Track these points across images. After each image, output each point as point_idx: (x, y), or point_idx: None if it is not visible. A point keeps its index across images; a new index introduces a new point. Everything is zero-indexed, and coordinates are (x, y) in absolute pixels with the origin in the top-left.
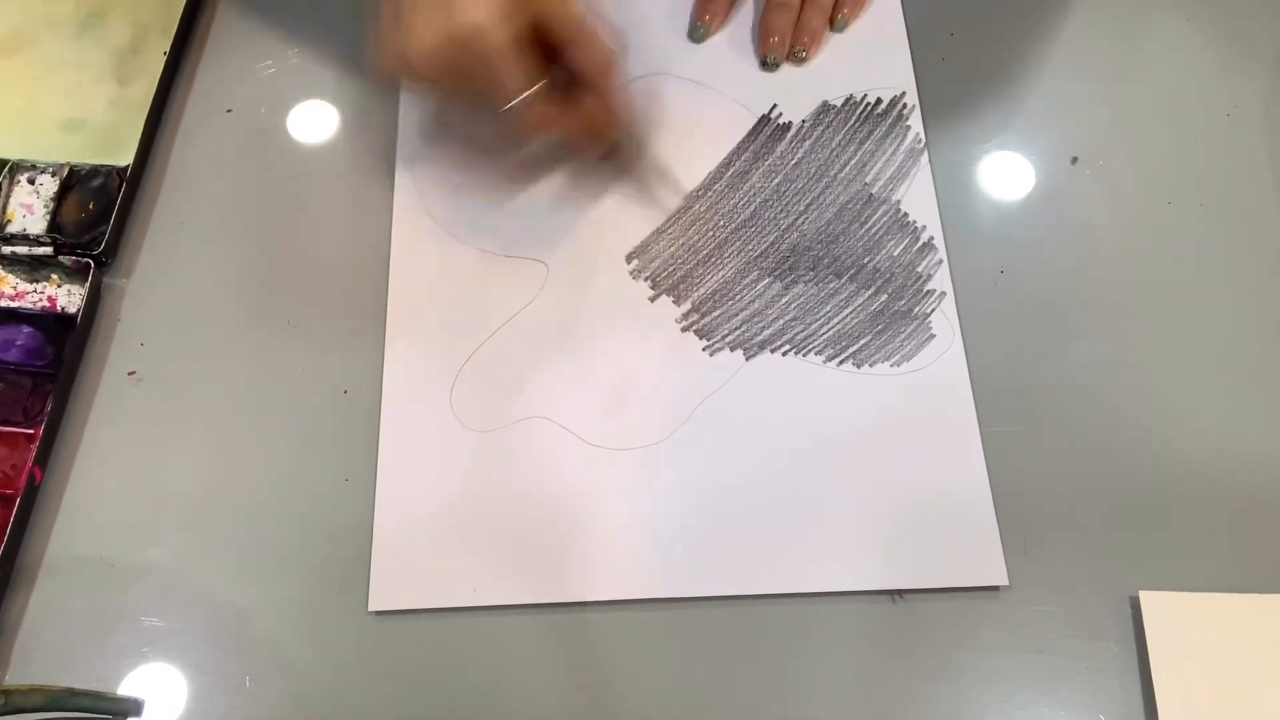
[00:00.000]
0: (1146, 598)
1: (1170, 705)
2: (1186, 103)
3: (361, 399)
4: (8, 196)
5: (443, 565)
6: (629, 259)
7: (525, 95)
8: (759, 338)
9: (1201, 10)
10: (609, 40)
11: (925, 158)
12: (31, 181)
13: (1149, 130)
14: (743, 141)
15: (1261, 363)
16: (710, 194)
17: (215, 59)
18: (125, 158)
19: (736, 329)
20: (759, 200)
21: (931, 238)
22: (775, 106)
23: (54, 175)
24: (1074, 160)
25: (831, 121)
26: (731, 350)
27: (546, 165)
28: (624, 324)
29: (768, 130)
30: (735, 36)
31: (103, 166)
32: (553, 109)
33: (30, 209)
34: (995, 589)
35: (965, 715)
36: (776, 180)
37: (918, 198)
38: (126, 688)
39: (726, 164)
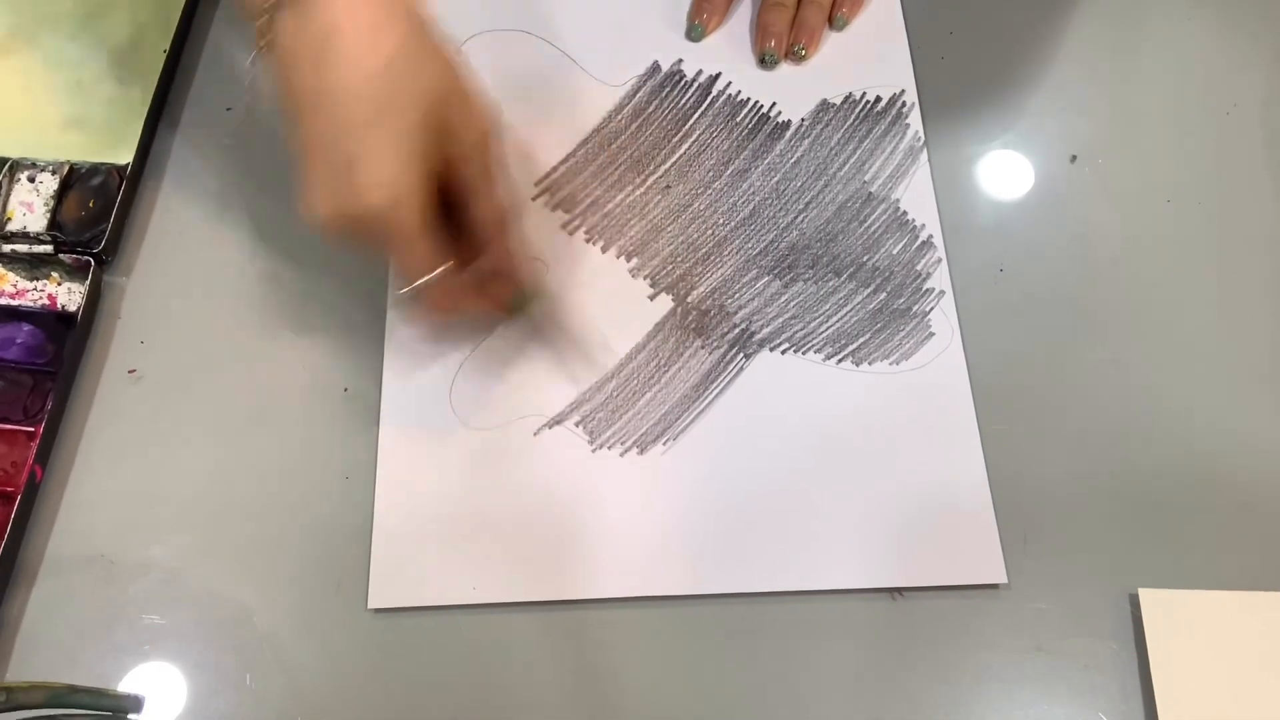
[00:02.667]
0: (1146, 595)
1: (1170, 703)
2: (1186, 101)
3: (361, 397)
4: (8, 195)
5: (442, 563)
6: (629, 257)
7: (429, 278)
8: (758, 336)
9: (1201, 9)
10: (508, 193)
11: (924, 156)
12: (32, 180)
13: (1148, 129)
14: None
15: (1261, 360)
16: (710, 192)
17: (215, 57)
18: (125, 156)
19: (736, 327)
20: (758, 199)
21: (930, 236)
22: (775, 104)
23: (54, 173)
24: (1073, 159)
25: (831, 119)
26: (730, 348)
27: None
28: (623, 322)
29: (767, 128)
30: (734, 34)
31: (103, 165)
32: (457, 290)
33: (30, 207)
34: (994, 587)
35: (965, 713)
36: (776, 178)
37: (917, 196)
38: (127, 685)
39: (725, 162)
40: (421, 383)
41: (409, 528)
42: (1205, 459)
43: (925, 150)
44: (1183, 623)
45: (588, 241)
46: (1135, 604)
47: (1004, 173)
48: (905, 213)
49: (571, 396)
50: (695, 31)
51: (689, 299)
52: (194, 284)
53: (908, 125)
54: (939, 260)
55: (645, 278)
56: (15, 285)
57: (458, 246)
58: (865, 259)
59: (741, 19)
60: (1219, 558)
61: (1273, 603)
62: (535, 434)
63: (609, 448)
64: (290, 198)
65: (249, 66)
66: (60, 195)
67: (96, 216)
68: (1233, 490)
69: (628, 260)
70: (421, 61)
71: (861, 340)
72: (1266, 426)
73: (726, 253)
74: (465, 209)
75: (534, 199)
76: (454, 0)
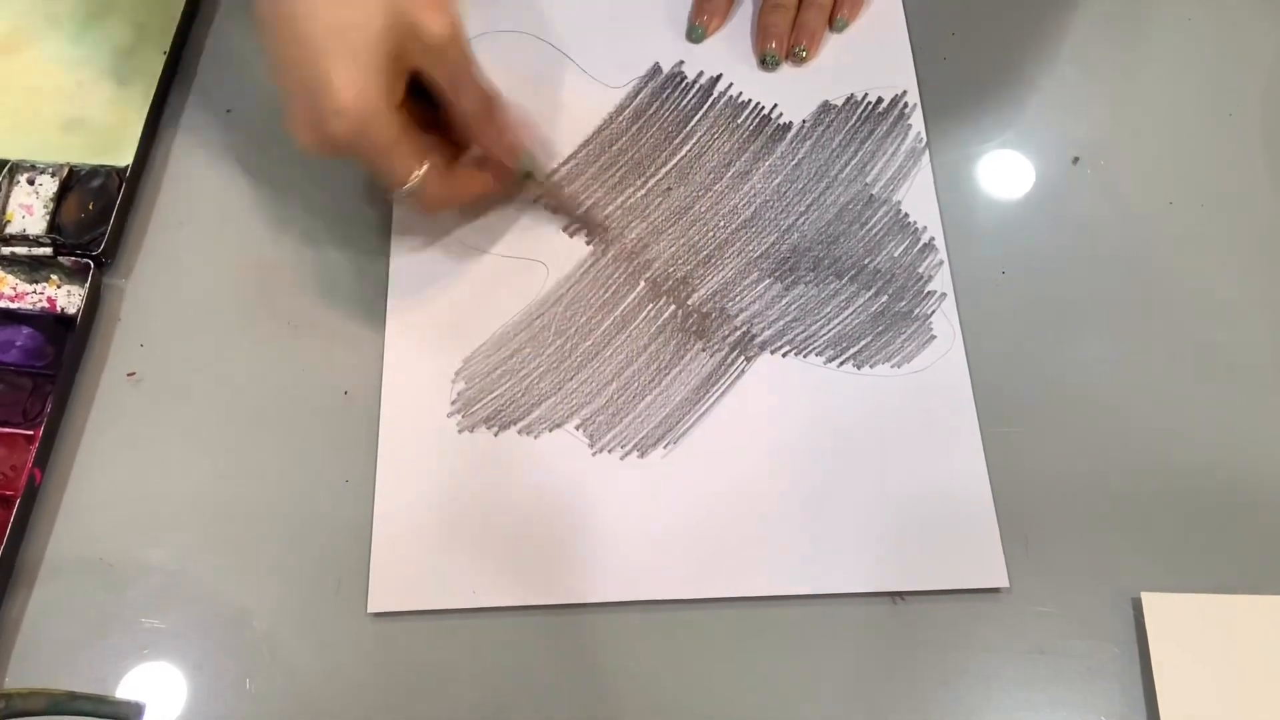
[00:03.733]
0: (1148, 599)
1: (1172, 707)
2: (1187, 103)
3: (361, 400)
4: (7, 197)
5: (442, 567)
6: (629, 259)
7: (415, 178)
8: (759, 339)
9: (1202, 10)
10: (485, 80)
11: (926, 158)
12: (31, 182)
13: (1150, 130)
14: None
15: (1263, 363)
16: (711, 194)
17: (215, 59)
18: (125, 158)
19: (737, 330)
20: (759, 201)
21: (932, 238)
22: (776, 106)
23: (53, 175)
24: (1075, 160)
25: (832, 121)
26: (731, 351)
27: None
28: (623, 325)
29: (768, 130)
30: (735, 36)
31: (102, 167)
32: (446, 185)
33: (30, 209)
34: (996, 590)
35: (966, 717)
36: (777, 181)
37: (918, 198)
38: (126, 689)
39: (727, 164)
40: (421, 386)
41: (409, 531)
42: (1208, 461)
43: (927, 152)
44: (1185, 626)
45: (588, 244)
46: (1137, 607)
47: (1006, 174)
48: (907, 215)
49: (576, 401)
50: (696, 33)
51: (690, 302)
52: (194, 287)
53: (909, 126)
54: (941, 262)
55: (646, 280)
56: (14, 288)
57: (446, 141)
58: (867, 261)
59: (742, 21)
60: (1222, 561)
61: (1276, 607)
62: (535, 437)
63: (609, 451)
64: (288, 200)
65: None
66: (60, 197)
67: (96, 219)
68: (1236, 493)
69: (628, 263)
70: None
71: (863, 343)
72: (1269, 429)
73: (727, 255)
74: (447, 105)
75: (534, 200)
76: None
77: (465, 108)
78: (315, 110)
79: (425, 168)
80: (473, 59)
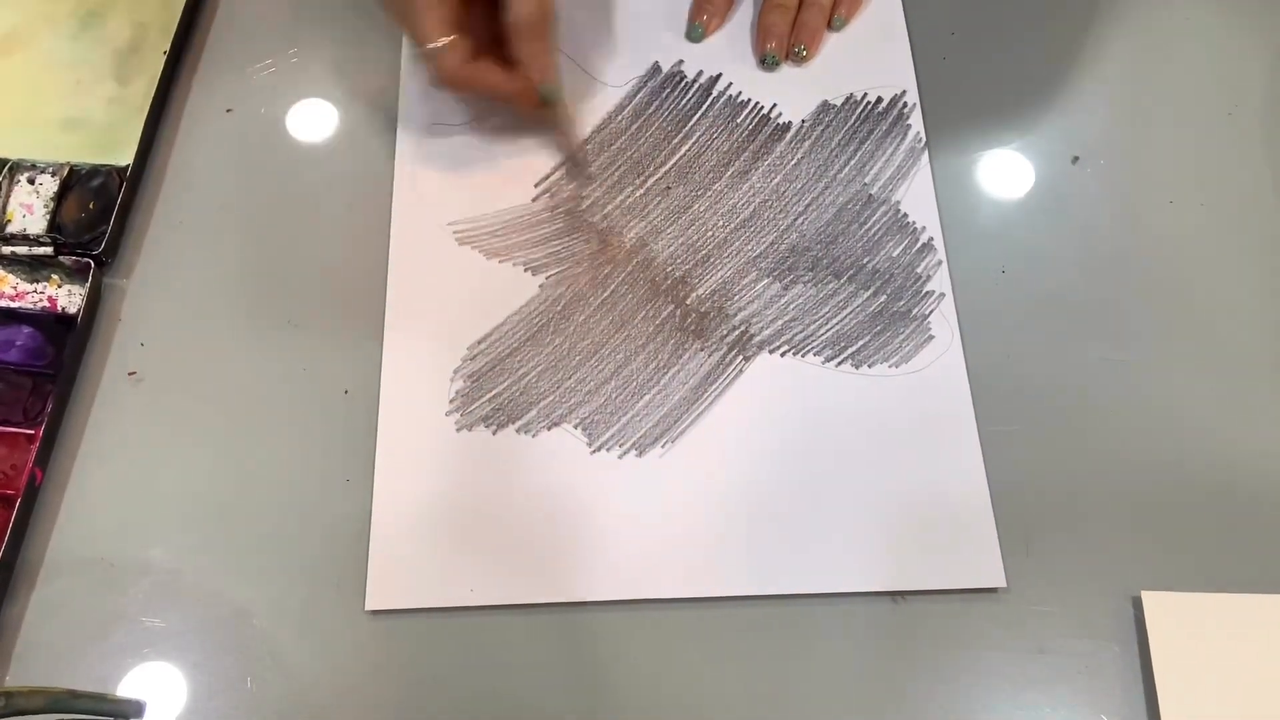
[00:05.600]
0: (1148, 598)
1: (1172, 706)
2: (1187, 102)
3: (361, 399)
4: (7, 196)
5: (440, 565)
6: (629, 258)
7: (437, 44)
8: (758, 338)
9: (1202, 9)
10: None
11: (925, 157)
12: (31, 181)
13: (1149, 130)
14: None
15: (1262, 362)
16: (710, 193)
17: (215, 58)
18: (125, 157)
19: (735, 330)
20: (758, 200)
21: (931, 238)
22: (775, 106)
23: (54, 175)
24: (1074, 160)
25: (831, 121)
26: (730, 351)
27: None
28: (622, 324)
29: (767, 130)
30: (735, 36)
31: (103, 166)
32: (465, 65)
33: (30, 209)
34: (994, 590)
35: (966, 716)
36: (776, 180)
37: (917, 198)
38: (126, 688)
39: (726, 163)
40: (420, 385)
41: (407, 529)
42: (1208, 460)
43: (926, 151)
44: (1186, 625)
45: (586, 244)
46: (1138, 606)
47: (1005, 174)
48: (905, 215)
49: (574, 400)
50: (695, 32)
51: (688, 301)
52: (194, 286)
53: (909, 126)
54: (939, 262)
55: (644, 280)
56: (15, 287)
57: (497, 44)
58: (865, 261)
59: (742, 20)
60: (1222, 560)
61: (1276, 605)
62: (534, 436)
63: (607, 450)
64: (288, 200)
65: None
66: (60, 197)
67: (96, 218)
68: (1236, 492)
69: (627, 262)
70: None
71: (861, 343)
72: (1269, 428)
73: (726, 255)
74: (504, 3)
75: (534, 200)
76: None
77: (519, 10)
78: None
79: (452, 37)
80: None
